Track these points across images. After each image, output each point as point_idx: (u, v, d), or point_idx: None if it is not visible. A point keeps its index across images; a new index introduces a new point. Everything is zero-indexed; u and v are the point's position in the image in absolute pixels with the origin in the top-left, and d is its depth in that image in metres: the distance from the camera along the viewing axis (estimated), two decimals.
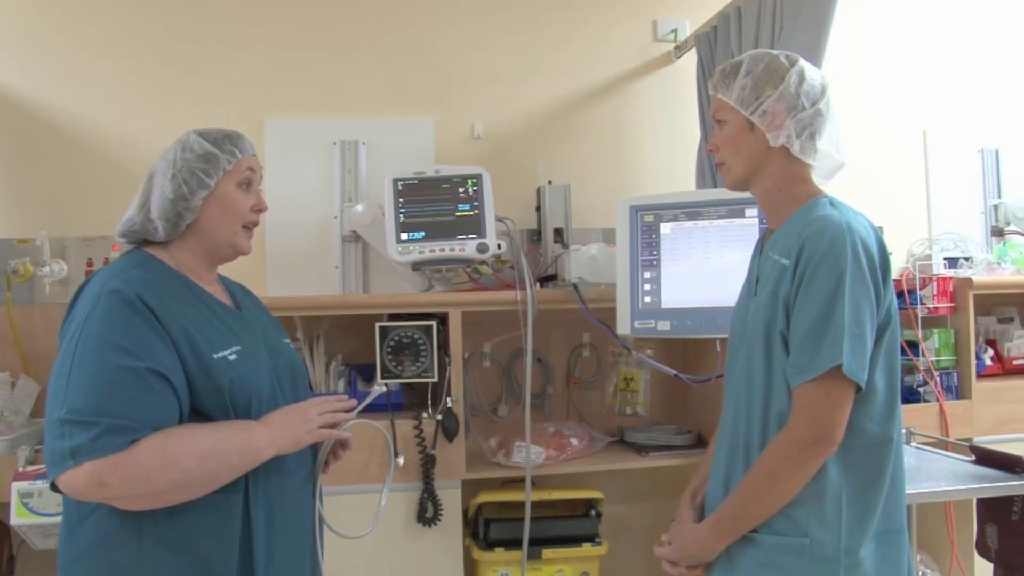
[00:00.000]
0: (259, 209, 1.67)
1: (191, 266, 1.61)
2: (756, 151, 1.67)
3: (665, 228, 2.55)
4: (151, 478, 1.37)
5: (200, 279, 1.62)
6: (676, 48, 3.29)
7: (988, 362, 3.08)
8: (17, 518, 2.24)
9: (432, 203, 2.69)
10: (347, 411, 1.65)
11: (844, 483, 1.55)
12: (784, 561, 1.55)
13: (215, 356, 1.49)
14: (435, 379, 2.55)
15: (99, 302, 1.43)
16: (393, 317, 2.60)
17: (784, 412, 1.56)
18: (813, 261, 1.53)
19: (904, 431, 2.69)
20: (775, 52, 1.69)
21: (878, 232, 1.61)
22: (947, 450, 2.63)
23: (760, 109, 1.64)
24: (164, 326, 1.44)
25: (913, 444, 2.66)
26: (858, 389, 1.52)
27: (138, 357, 1.39)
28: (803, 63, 1.68)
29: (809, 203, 1.65)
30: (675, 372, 2.68)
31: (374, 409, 2.50)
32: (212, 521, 1.46)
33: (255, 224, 1.67)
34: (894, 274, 3.19)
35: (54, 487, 1.39)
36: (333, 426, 1.62)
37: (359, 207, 2.91)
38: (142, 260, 1.57)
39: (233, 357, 1.52)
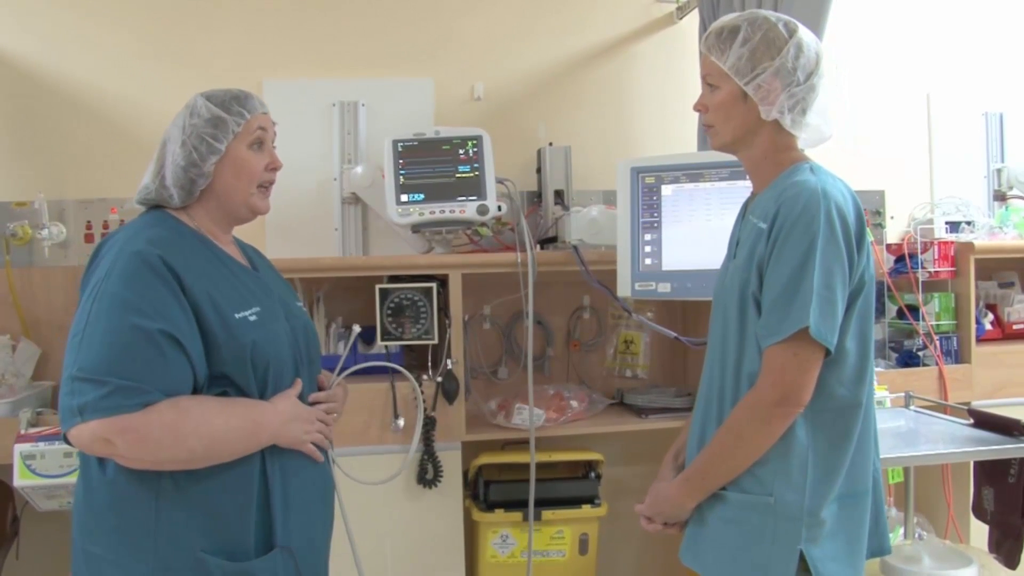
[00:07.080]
0: (273, 167, 1.66)
1: (208, 227, 1.62)
2: (747, 120, 1.66)
3: (666, 190, 2.54)
4: (157, 450, 1.39)
5: (218, 239, 1.63)
6: (678, 9, 3.24)
7: (988, 326, 3.09)
8: (20, 479, 2.25)
9: (432, 164, 2.67)
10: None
11: (811, 444, 1.56)
12: (749, 518, 1.58)
13: (236, 316, 1.50)
14: (435, 341, 2.55)
15: (119, 261, 1.44)
16: (393, 279, 2.59)
17: (755, 373, 1.58)
18: (787, 225, 1.54)
19: (901, 396, 2.71)
20: (773, 18, 1.64)
21: (856, 198, 1.61)
22: (946, 413, 2.64)
23: (756, 82, 1.62)
24: (186, 288, 1.45)
25: (912, 407, 2.67)
26: (827, 353, 1.53)
27: (151, 318, 1.39)
28: (801, 32, 1.63)
29: (790, 168, 1.65)
30: (675, 334, 2.68)
31: (375, 371, 2.53)
32: (230, 481, 1.48)
33: (271, 183, 1.67)
34: (896, 238, 3.23)
35: (66, 440, 1.42)
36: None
37: (359, 169, 2.88)
38: (162, 219, 1.58)
39: (253, 318, 1.53)
